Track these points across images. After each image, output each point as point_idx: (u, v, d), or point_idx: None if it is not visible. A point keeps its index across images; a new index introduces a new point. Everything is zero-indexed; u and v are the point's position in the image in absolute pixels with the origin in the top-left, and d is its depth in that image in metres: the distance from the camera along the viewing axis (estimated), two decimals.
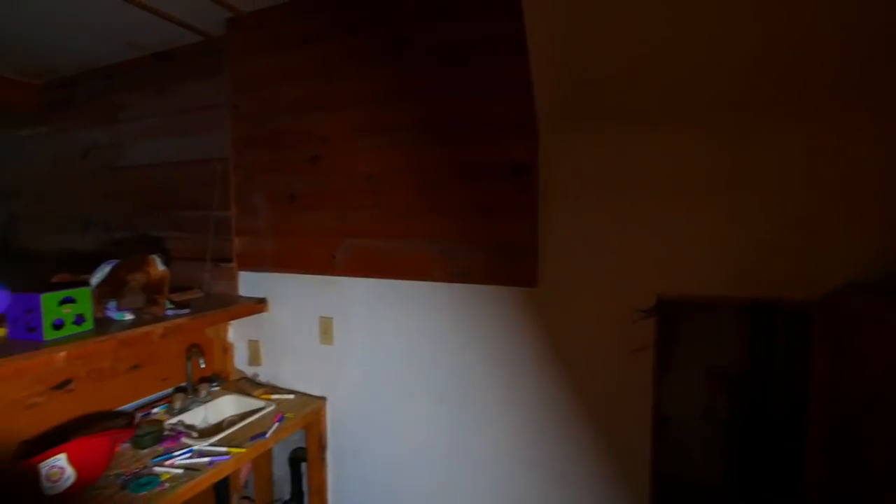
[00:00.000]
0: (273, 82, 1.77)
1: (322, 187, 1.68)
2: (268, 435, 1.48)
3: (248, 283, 1.88)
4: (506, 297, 1.43)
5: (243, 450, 1.40)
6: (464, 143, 1.44)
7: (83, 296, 1.35)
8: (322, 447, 1.73)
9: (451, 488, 1.55)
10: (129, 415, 1.56)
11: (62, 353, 1.23)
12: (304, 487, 1.82)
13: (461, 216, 1.46)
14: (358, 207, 1.62)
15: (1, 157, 2.88)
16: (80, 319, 1.34)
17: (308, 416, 1.67)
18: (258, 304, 1.82)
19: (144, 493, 1.19)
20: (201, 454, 1.36)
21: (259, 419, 1.58)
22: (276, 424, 1.53)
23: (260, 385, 1.86)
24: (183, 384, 1.74)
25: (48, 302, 1.26)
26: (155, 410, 1.62)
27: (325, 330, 1.70)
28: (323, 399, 1.73)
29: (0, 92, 2.50)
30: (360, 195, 1.61)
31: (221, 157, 1.93)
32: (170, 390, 1.73)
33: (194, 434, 1.47)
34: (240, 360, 1.94)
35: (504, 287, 1.42)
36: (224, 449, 1.38)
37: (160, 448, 1.40)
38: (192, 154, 2.04)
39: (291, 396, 1.75)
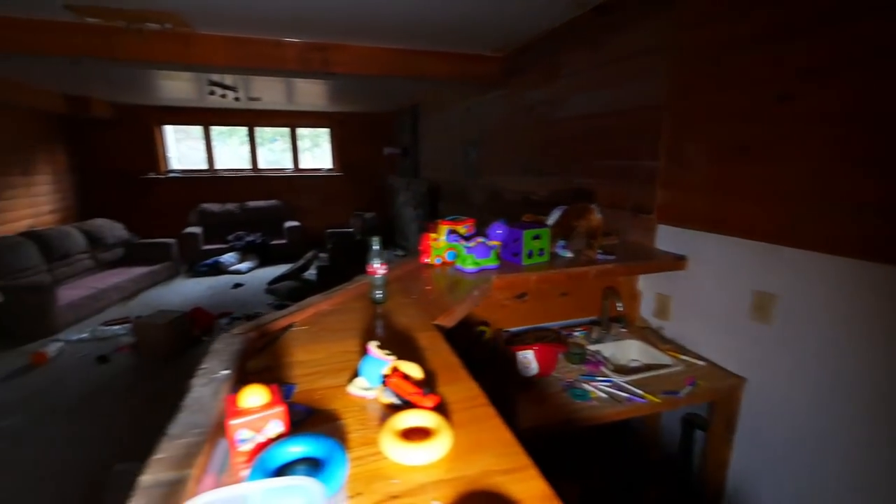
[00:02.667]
0: (733, 6, 1.51)
1: (790, 136, 1.36)
2: (681, 394, 1.48)
3: (667, 237, 1.85)
4: None
5: (657, 399, 1.46)
6: None
7: (545, 234, 1.70)
8: (731, 428, 1.60)
9: None
10: (556, 332, 1.93)
11: (534, 276, 1.61)
12: (695, 451, 1.78)
13: None
14: (846, 162, 1.22)
15: (474, 115, 3.97)
16: (542, 252, 1.71)
17: (721, 391, 1.56)
18: (677, 261, 1.77)
19: (579, 402, 1.46)
20: (618, 388, 1.52)
21: (667, 374, 1.61)
22: (689, 388, 1.50)
23: (664, 340, 1.87)
24: (596, 318, 1.98)
25: (527, 236, 1.65)
26: (575, 334, 1.93)
27: (761, 307, 1.48)
28: (742, 379, 1.56)
29: (477, 66, 3.36)
30: (851, 147, 1.20)
31: (654, 105, 1.90)
32: (585, 320, 2.02)
33: (610, 366, 1.66)
34: (645, 309, 2.01)
35: None
36: (639, 391, 1.49)
37: (584, 368, 1.67)
38: (623, 104, 2.10)
39: (702, 363, 1.67)
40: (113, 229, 5.38)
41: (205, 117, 6.57)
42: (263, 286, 5.21)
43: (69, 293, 4.06)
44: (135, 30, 2.57)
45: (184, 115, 6.46)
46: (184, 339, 3.52)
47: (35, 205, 5.03)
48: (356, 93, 5.34)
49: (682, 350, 1.77)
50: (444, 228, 1.68)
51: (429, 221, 1.73)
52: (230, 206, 6.57)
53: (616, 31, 2.13)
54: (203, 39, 2.71)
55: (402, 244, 6.77)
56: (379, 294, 1.29)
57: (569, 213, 1.79)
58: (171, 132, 6.71)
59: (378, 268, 1.26)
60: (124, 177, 6.28)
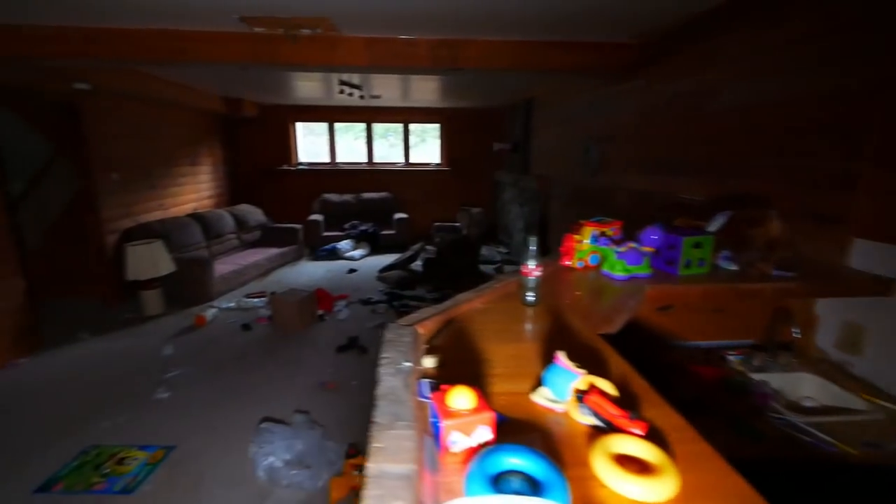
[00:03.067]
0: None
1: None
2: (889, 448, 1.21)
3: (866, 255, 1.53)
4: None
5: (855, 451, 1.21)
6: None
7: (708, 243, 1.51)
8: None
9: None
10: (707, 352, 1.71)
11: (695, 290, 1.43)
12: None
13: None
14: None
15: (598, 108, 3.74)
16: (701, 262, 1.52)
17: None
18: (880, 285, 1.46)
19: (746, 438, 1.27)
20: (796, 428, 1.30)
21: (863, 421, 1.33)
22: None
23: (852, 378, 1.56)
24: (757, 342, 1.72)
25: (686, 244, 1.48)
26: (729, 358, 1.70)
27: None
28: None
29: (610, 55, 3.13)
30: None
31: (854, 93, 1.57)
32: (741, 342, 1.77)
33: (781, 401, 1.43)
34: (823, 339, 1.69)
35: None
36: (827, 438, 1.25)
37: (746, 399, 1.45)
38: (800, 93, 1.78)
39: None
40: (254, 214, 6.14)
41: (330, 115, 7.15)
42: (375, 273, 5.54)
43: (221, 267, 4.71)
44: (291, 36, 2.84)
45: (313, 113, 7.10)
46: (310, 316, 3.88)
47: (198, 191, 5.94)
48: (470, 88, 5.37)
49: (881, 394, 1.45)
50: (589, 230, 1.58)
51: (573, 223, 1.64)
52: (347, 197, 7.09)
53: (800, 4, 1.81)
54: (347, 42, 2.90)
55: (505, 241, 6.71)
56: (531, 296, 1.24)
57: (738, 219, 1.57)
58: (300, 129, 7.43)
59: (532, 269, 1.22)
60: (263, 169, 7.13)
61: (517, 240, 6.07)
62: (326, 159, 7.51)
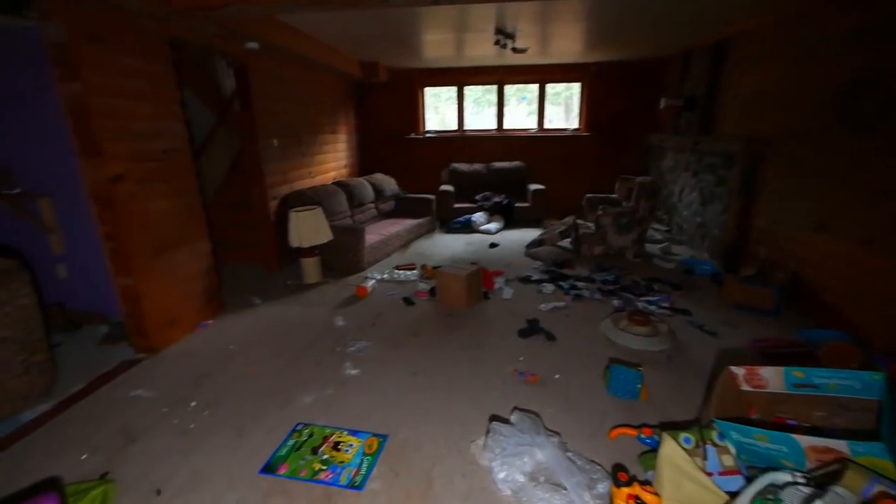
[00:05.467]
0: None
1: None
2: None
3: None
4: None
5: None
6: None
7: None
8: None
9: None
10: None
11: None
12: None
13: None
14: None
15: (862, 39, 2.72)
16: None
17: None
18: None
19: None
20: None
21: None
22: None
23: None
24: None
25: None
26: None
27: None
28: None
29: None
30: None
31: None
32: None
33: None
34: None
35: None
36: None
37: None
38: None
39: None
40: (389, 183, 5.95)
41: (460, 77, 6.68)
42: (518, 248, 5.04)
43: (368, 237, 4.54)
44: None
45: (442, 77, 6.68)
46: (477, 293, 3.49)
47: (337, 159, 5.88)
48: (627, 32, 4.49)
49: None
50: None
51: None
52: (477, 166, 6.63)
53: None
54: None
55: (662, 217, 5.79)
56: None
57: None
58: (427, 95, 7.07)
59: None
60: (391, 137, 6.93)
61: (686, 216, 5.14)
62: (453, 127, 7.10)
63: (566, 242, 5.00)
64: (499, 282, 3.90)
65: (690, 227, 5.03)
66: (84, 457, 1.90)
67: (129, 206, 2.61)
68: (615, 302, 3.44)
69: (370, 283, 3.79)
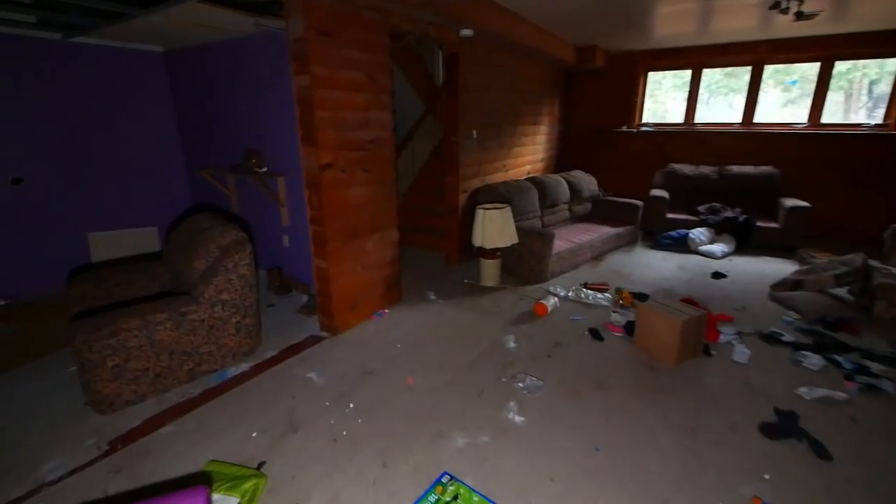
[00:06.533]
0: None
1: None
2: None
3: None
4: None
5: None
6: None
7: None
8: None
9: None
10: None
11: None
12: None
13: None
14: None
15: None
16: None
17: None
18: None
19: None
20: None
21: None
22: None
23: None
24: None
25: None
26: None
27: None
28: None
29: None
30: None
31: None
32: None
33: None
34: None
35: None
36: None
37: None
38: None
39: None
40: (588, 183, 5.22)
41: (698, 58, 5.34)
42: (761, 287, 3.72)
43: (556, 243, 3.98)
44: None
45: (674, 58, 5.45)
46: (695, 345, 2.60)
47: (534, 152, 5.44)
48: None
49: None
50: None
51: None
52: (706, 170, 5.26)
53: None
54: None
55: None
56: None
57: None
58: (649, 81, 5.92)
59: None
60: (598, 130, 6.09)
61: None
62: (675, 120, 5.80)
63: (843, 291, 3.45)
64: (726, 332, 2.87)
65: None
66: (254, 434, 1.98)
67: (331, 193, 2.70)
68: None
69: (552, 300, 3.26)
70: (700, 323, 2.56)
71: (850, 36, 4.52)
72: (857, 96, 5.13)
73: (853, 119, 5.00)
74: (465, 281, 3.81)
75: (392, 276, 3.28)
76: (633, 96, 5.84)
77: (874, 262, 3.41)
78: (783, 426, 2.01)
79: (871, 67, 4.88)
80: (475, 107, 4.05)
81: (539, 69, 5.15)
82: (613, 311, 3.17)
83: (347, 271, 2.90)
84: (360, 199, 2.90)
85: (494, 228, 3.46)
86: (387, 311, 3.21)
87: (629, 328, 2.88)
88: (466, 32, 3.25)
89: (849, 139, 4.81)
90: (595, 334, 2.89)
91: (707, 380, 2.40)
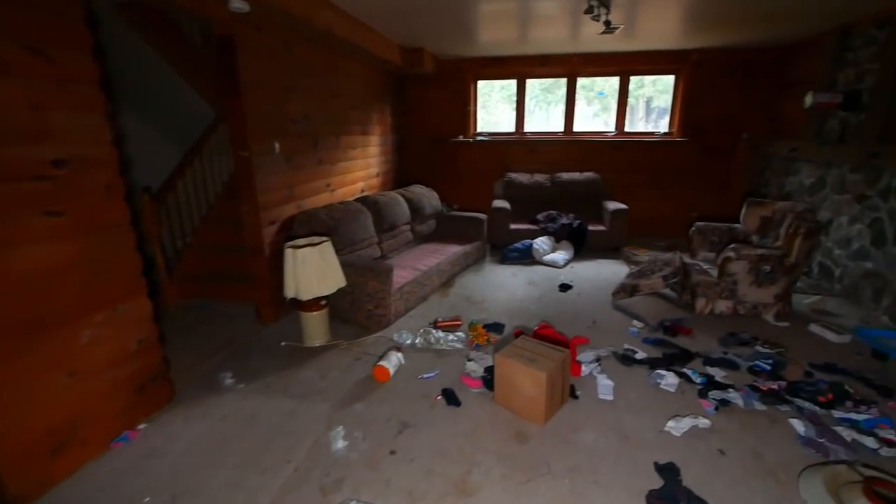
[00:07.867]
0: None
1: None
2: None
3: None
4: None
5: None
6: None
7: None
8: None
9: None
10: None
11: None
12: None
13: None
14: None
15: None
16: None
17: None
18: None
19: None
20: None
21: None
22: None
23: None
24: None
25: None
26: None
27: None
28: None
29: None
30: None
31: None
32: None
33: None
34: None
35: None
36: None
37: None
38: None
39: None
40: (430, 199, 4.72)
41: (521, 68, 5.37)
42: (601, 294, 3.67)
43: (399, 275, 3.33)
44: None
45: (500, 67, 5.39)
46: (561, 392, 2.19)
47: (367, 167, 4.73)
48: (758, 5, 3.08)
49: None
50: None
51: None
52: (540, 178, 5.30)
53: None
54: None
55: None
56: None
57: None
58: (480, 91, 5.80)
59: None
60: (436, 139, 5.73)
61: (841, 258, 3.60)
62: (506, 129, 5.79)
63: (669, 290, 3.59)
64: (586, 361, 2.58)
65: (852, 275, 3.49)
66: None
67: None
68: (801, 429, 2.03)
69: (394, 358, 2.56)
70: (564, 365, 2.16)
71: (640, 53, 4.97)
72: (636, 109, 5.79)
73: (650, 128, 5.60)
74: (283, 343, 2.87)
75: (144, 371, 2.13)
76: (466, 105, 5.62)
77: (686, 258, 3.63)
78: (668, 491, 1.66)
79: (647, 85, 5.56)
80: (276, 112, 3.14)
81: (364, 69, 4.47)
82: (468, 360, 2.63)
83: (36, 389, 1.69)
84: (45, 264, 1.70)
85: (311, 272, 2.62)
86: (141, 426, 2.07)
87: (488, 380, 2.37)
88: (239, 5, 2.34)
89: (646, 146, 5.33)
90: (450, 397, 2.28)
91: (581, 439, 1.99)
